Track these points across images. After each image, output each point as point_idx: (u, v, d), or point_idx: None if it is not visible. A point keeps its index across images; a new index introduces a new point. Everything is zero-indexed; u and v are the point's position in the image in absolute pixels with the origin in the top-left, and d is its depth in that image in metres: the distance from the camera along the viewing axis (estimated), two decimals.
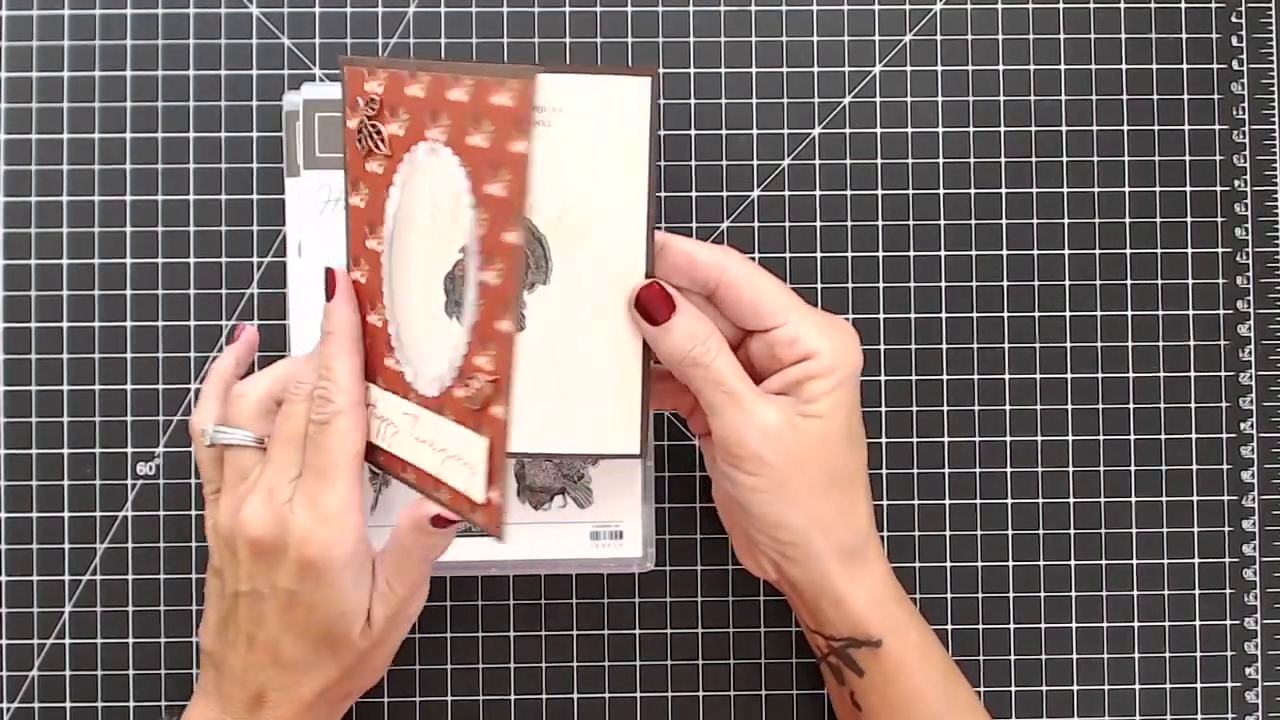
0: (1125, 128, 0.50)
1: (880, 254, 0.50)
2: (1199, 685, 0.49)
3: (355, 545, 0.39)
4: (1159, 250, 0.50)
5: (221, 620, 0.41)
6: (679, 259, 0.40)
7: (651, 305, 0.40)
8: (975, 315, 0.50)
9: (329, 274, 0.41)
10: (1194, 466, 0.50)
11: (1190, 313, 0.50)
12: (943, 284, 0.50)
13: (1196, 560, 0.50)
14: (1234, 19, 0.50)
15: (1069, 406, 0.50)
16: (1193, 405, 0.50)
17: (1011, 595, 0.50)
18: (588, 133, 0.39)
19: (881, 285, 0.50)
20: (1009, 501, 0.50)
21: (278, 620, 0.39)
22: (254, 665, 0.40)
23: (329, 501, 0.39)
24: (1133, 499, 0.50)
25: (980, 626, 0.50)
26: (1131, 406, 0.50)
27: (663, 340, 0.40)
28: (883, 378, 0.50)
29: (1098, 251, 0.50)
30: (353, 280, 0.41)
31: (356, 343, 0.41)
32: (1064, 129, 0.50)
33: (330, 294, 0.41)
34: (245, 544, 0.39)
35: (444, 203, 0.38)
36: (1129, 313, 0.50)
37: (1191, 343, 0.50)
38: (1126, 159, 0.50)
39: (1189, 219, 0.50)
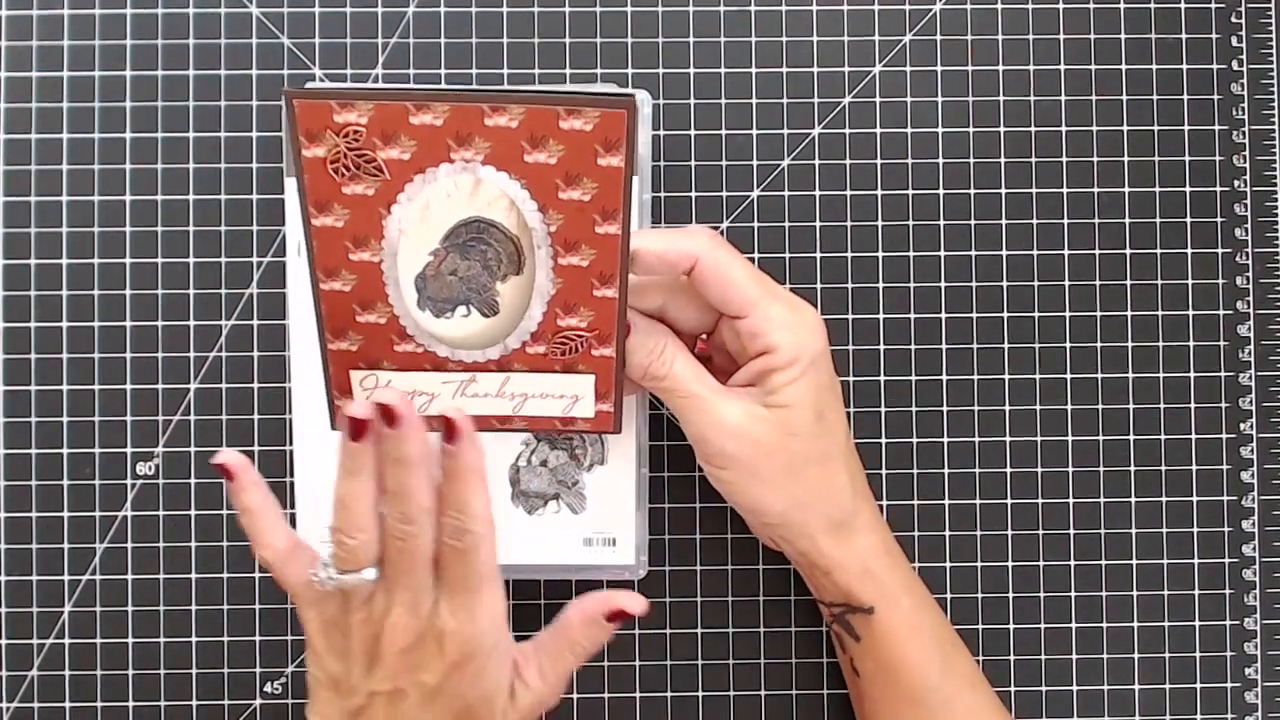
0: (1125, 128, 0.50)
1: (880, 254, 0.50)
2: (1199, 685, 0.49)
3: (499, 636, 0.41)
4: (1159, 250, 0.50)
5: (350, 716, 0.41)
6: (650, 261, 0.41)
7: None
8: (975, 315, 0.50)
9: (450, 421, 0.40)
10: (1194, 467, 0.50)
11: (1190, 313, 0.50)
12: (942, 284, 0.50)
13: (1196, 560, 0.50)
14: (1234, 19, 0.50)
15: (1069, 406, 0.50)
16: (1192, 405, 0.50)
17: (1011, 595, 0.50)
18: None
19: (881, 285, 0.50)
20: (1009, 501, 0.50)
21: (420, 710, 0.40)
22: None
23: (477, 606, 0.40)
24: (1133, 499, 0.50)
25: (980, 626, 0.49)
26: (1131, 406, 0.50)
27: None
28: (883, 378, 0.50)
29: (1098, 251, 0.50)
30: (335, 290, 0.42)
31: (485, 477, 0.41)
32: (1064, 129, 0.50)
33: (452, 438, 0.40)
34: (392, 653, 0.40)
35: (433, 208, 0.40)
36: (1129, 313, 0.50)
37: (1191, 343, 0.50)
38: (1126, 159, 0.50)
39: (1189, 219, 0.50)
